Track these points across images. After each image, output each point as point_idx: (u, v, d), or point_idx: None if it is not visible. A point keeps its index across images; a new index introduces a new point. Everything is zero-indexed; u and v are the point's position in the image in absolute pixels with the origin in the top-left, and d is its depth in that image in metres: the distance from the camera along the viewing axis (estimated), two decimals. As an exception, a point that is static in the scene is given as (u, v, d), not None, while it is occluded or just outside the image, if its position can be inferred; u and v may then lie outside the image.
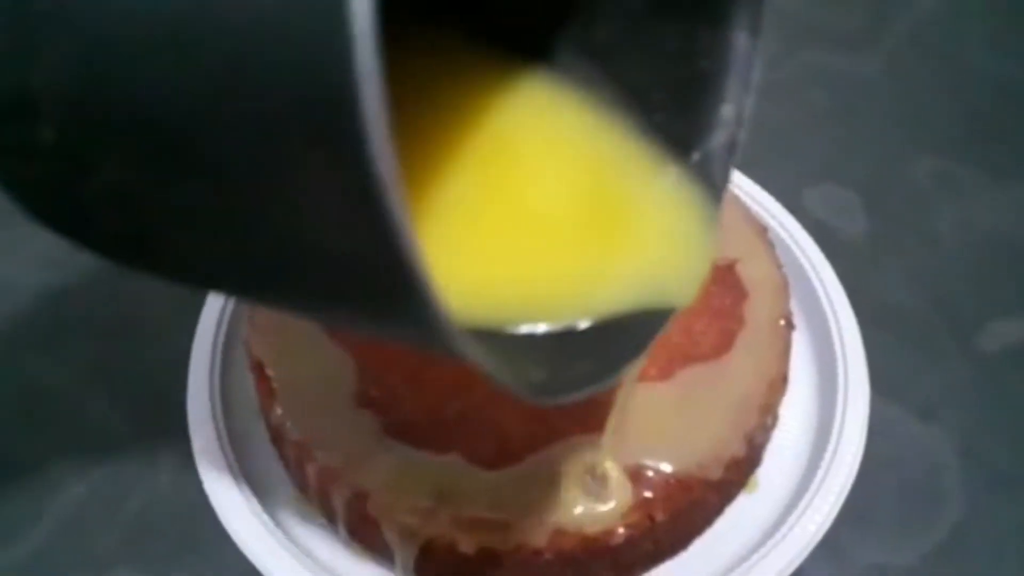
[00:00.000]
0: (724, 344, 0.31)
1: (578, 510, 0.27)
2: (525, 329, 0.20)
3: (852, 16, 0.54)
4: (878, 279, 0.41)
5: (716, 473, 0.28)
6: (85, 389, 0.37)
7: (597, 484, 0.28)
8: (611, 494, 0.28)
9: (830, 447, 0.32)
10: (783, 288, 0.33)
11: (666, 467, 0.28)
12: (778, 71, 0.51)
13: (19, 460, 0.35)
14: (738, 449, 0.29)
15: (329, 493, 0.29)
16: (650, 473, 0.28)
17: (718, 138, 0.24)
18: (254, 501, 0.31)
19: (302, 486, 0.31)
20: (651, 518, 0.27)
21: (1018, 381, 0.38)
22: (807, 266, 0.36)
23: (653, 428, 0.29)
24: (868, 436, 0.33)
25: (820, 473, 0.32)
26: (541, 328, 0.21)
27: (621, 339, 0.21)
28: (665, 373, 0.30)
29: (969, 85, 0.51)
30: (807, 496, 0.31)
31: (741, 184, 0.40)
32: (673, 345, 0.31)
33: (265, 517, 0.31)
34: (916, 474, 0.36)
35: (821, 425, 0.33)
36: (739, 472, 0.30)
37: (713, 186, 0.24)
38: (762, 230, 0.35)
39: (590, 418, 0.29)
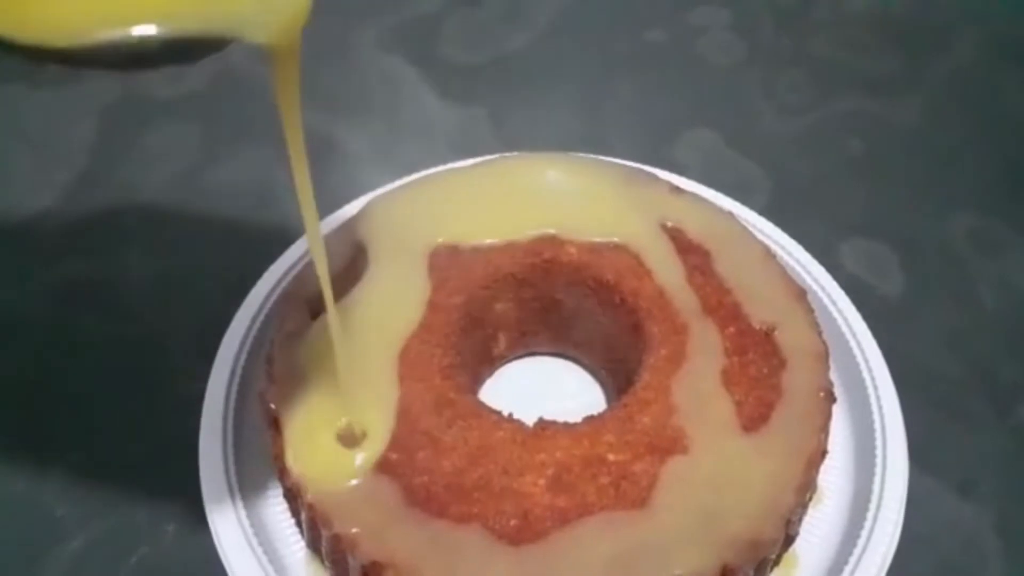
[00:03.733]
0: (761, 416, 0.30)
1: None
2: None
3: (888, 62, 0.53)
4: (915, 341, 0.40)
5: (752, 558, 0.27)
6: (92, 433, 0.36)
7: None
8: None
9: (866, 526, 0.31)
10: (823, 357, 0.31)
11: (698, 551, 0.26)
12: (812, 117, 0.50)
13: (17, 505, 0.34)
14: (773, 532, 0.27)
15: (344, 560, 0.28)
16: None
17: None
18: (264, 559, 0.30)
19: (315, 547, 0.30)
20: (682, 603, 0.26)
21: (1060, 456, 0.37)
22: (847, 332, 0.35)
23: (682, 507, 0.27)
24: (905, 512, 0.32)
25: (856, 552, 0.30)
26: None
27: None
28: (701, 445, 0.29)
29: (1006, 136, 0.49)
30: (843, 578, 0.29)
31: (779, 239, 0.38)
32: (709, 416, 0.29)
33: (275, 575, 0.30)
34: (954, 553, 0.34)
35: (857, 499, 0.32)
36: (776, 553, 0.29)
37: None
38: (801, 293, 0.33)
39: (627, 491, 0.28)
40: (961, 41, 0.54)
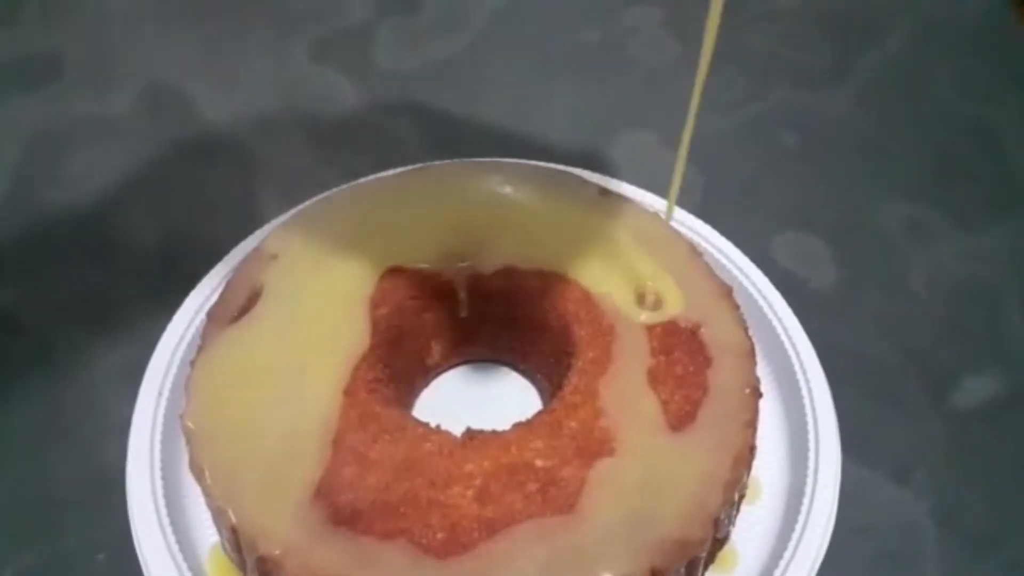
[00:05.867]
0: (688, 414, 0.30)
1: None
2: None
3: (819, 55, 0.53)
4: (848, 332, 0.40)
5: (680, 559, 0.27)
6: (18, 462, 0.35)
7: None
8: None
9: (800, 519, 0.31)
10: (750, 354, 0.31)
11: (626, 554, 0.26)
12: (745, 113, 0.50)
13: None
14: (701, 532, 0.27)
15: (271, 581, 0.28)
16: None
17: None
18: (194, 584, 0.29)
19: (242, 568, 0.30)
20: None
21: (993, 439, 0.37)
22: (778, 327, 0.35)
23: (610, 510, 0.27)
24: (840, 501, 0.32)
25: (791, 546, 0.30)
26: None
27: None
28: (628, 447, 0.29)
29: (937, 126, 0.50)
30: (778, 572, 0.30)
31: (708, 236, 0.38)
32: (636, 417, 0.29)
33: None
34: (890, 540, 0.34)
35: (792, 494, 0.32)
36: (706, 553, 0.29)
37: None
38: (728, 290, 0.33)
39: (555, 497, 0.28)
40: (891, 32, 0.55)
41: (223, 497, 0.28)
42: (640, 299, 0.33)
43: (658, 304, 0.33)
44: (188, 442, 0.29)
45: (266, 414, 0.29)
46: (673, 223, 0.37)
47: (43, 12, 0.54)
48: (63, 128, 0.48)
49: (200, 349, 0.31)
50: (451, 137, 0.48)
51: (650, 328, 0.32)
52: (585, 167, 0.40)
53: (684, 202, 0.41)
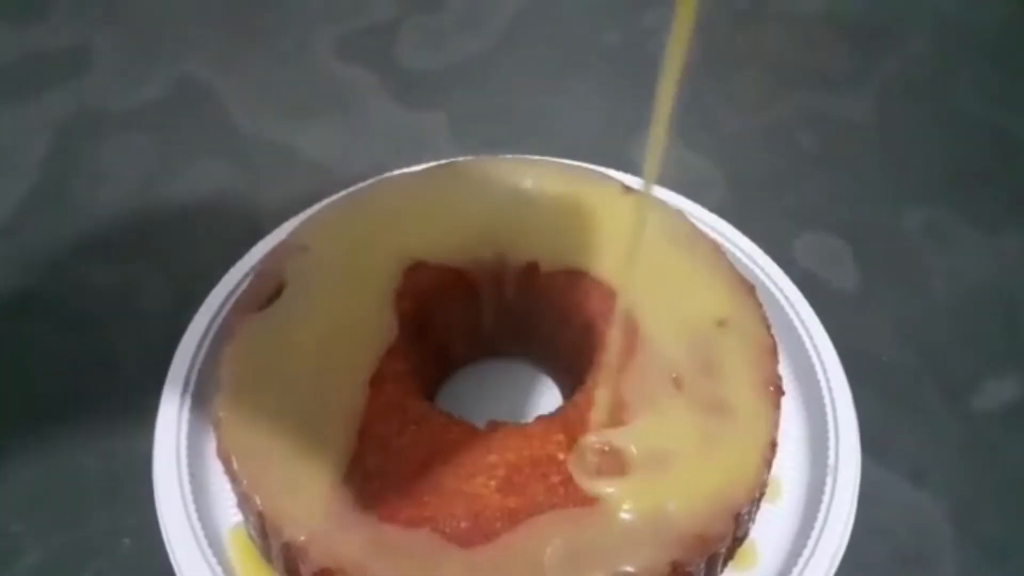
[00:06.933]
0: (710, 410, 0.30)
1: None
2: None
3: (841, 58, 0.54)
4: (869, 334, 0.40)
5: (701, 554, 0.27)
6: (46, 447, 0.36)
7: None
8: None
9: (819, 519, 0.31)
10: (772, 352, 0.32)
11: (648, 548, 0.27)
12: (766, 115, 0.50)
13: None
14: (722, 527, 0.28)
15: (296, 567, 0.28)
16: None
17: None
18: (219, 570, 0.30)
19: (267, 555, 0.30)
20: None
21: (1011, 443, 0.37)
22: (799, 326, 0.35)
23: (632, 503, 0.27)
24: (858, 502, 0.32)
25: (810, 545, 0.31)
26: None
27: None
28: (649, 442, 0.29)
29: (958, 130, 0.50)
30: (796, 571, 0.30)
31: (730, 236, 0.39)
32: (657, 412, 0.30)
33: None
34: (907, 541, 0.34)
35: (812, 493, 0.32)
36: (725, 549, 0.29)
37: None
38: (750, 288, 0.34)
39: (577, 490, 0.28)
40: (912, 37, 0.55)
41: (250, 483, 0.28)
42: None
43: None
44: (215, 428, 0.30)
45: (293, 402, 0.30)
46: (695, 221, 0.37)
47: (72, 5, 0.55)
48: (92, 122, 0.48)
49: (229, 337, 0.32)
50: (474, 135, 0.48)
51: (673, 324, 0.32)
52: (606, 165, 0.41)
53: (705, 201, 0.41)
